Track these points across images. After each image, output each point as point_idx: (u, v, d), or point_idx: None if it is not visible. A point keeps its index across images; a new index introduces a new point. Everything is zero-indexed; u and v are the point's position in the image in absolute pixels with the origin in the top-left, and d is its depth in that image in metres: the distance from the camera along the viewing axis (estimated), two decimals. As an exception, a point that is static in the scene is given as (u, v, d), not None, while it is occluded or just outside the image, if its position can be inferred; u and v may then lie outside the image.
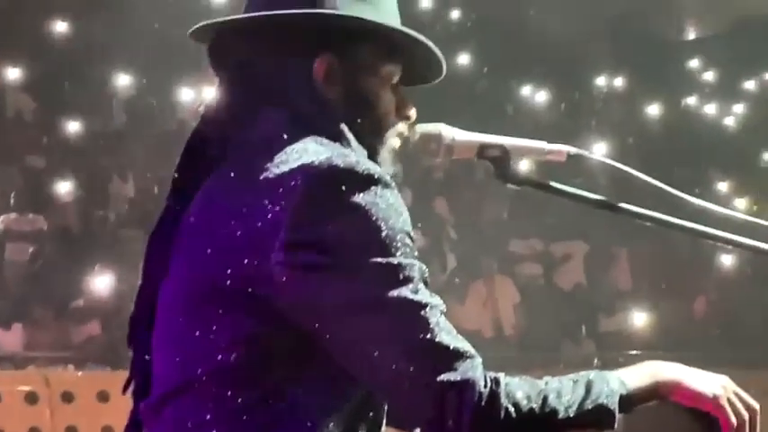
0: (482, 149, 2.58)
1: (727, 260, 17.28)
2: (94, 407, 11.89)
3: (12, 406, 11.73)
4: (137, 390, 2.47)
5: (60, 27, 18.98)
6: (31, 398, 11.84)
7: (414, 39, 2.52)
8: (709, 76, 23.08)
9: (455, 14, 22.15)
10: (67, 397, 11.97)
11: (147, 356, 2.45)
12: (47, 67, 18.03)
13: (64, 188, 15.74)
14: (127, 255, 14.28)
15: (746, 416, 2.37)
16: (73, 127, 17.10)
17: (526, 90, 20.67)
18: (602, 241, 17.20)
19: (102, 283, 14.07)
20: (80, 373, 12.93)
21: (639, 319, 15.95)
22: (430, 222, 16.09)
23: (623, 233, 17.12)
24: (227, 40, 2.55)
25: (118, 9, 18.50)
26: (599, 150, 15.65)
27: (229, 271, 2.29)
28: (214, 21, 2.56)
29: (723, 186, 17.83)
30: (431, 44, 2.53)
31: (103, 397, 11.94)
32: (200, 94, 16.70)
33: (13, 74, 17.88)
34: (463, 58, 20.12)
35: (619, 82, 22.06)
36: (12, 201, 15.23)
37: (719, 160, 19.17)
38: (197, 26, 2.57)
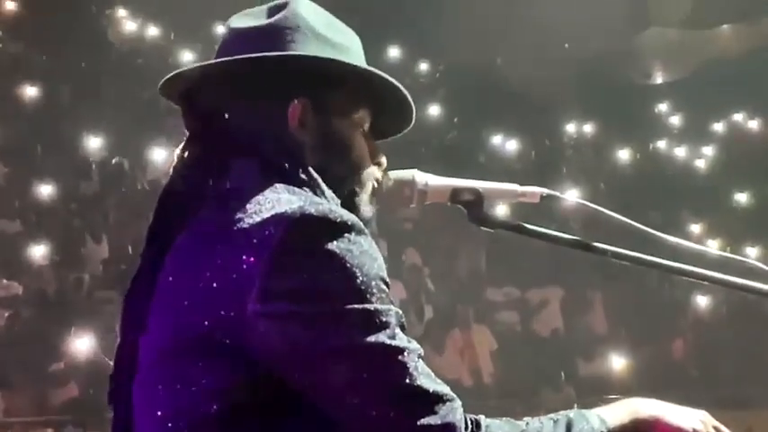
0: (455, 194, 2.58)
1: (702, 301, 17.33)
2: (74, 471, 11.83)
3: (-9, 473, 11.67)
4: (119, 446, 2.45)
5: (30, 91, 18.98)
6: (12, 463, 11.77)
7: (383, 78, 2.53)
8: (677, 119, 23.20)
9: (423, 66, 22.24)
10: (47, 461, 11.91)
11: (128, 413, 2.43)
12: (17, 131, 18.01)
13: (38, 252, 15.71)
14: (103, 316, 14.24)
15: (726, 450, 2.38)
16: (45, 190, 17.08)
17: (497, 138, 20.72)
18: (577, 286, 17.22)
19: (79, 345, 14.01)
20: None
21: (618, 362, 15.95)
22: (405, 273, 16.10)
23: (598, 277, 17.16)
24: (198, 88, 2.54)
25: (86, 72, 18.56)
26: (571, 196, 15.64)
27: (206, 323, 2.28)
28: (184, 69, 2.55)
29: (696, 228, 17.91)
30: (401, 87, 2.53)
31: (84, 460, 11.88)
32: (171, 154, 16.69)
33: (-16, 139, 17.88)
34: (433, 109, 20.20)
35: (588, 128, 22.16)
36: (-10, 266, 15.20)
37: (691, 202, 19.24)
38: (167, 77, 2.56)
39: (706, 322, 17.24)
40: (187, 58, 18.94)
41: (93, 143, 18.16)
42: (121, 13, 22.03)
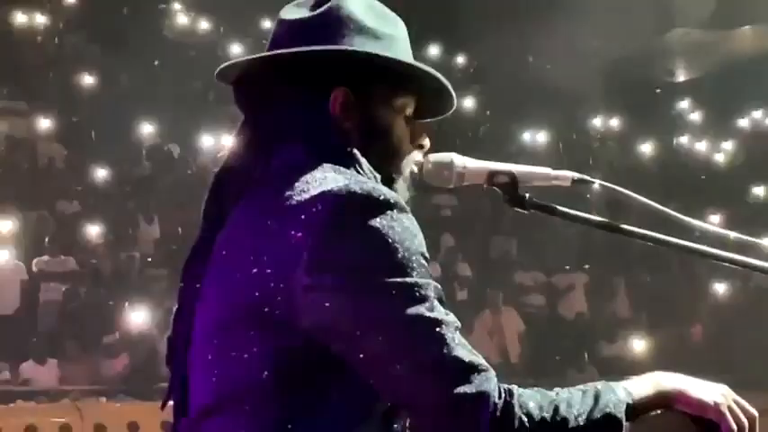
0: (491, 176, 2.57)
1: (720, 289, 17.29)
2: (126, 436, 11.90)
3: (48, 437, 11.75)
4: (176, 407, 2.46)
5: (88, 80, 19.06)
6: (66, 429, 11.84)
7: (424, 71, 2.53)
8: (698, 115, 23.12)
9: (460, 61, 22.25)
10: (100, 428, 11.98)
11: (184, 376, 2.44)
12: (76, 118, 18.10)
13: (94, 231, 15.79)
14: (154, 292, 14.32)
15: (746, 422, 2.36)
16: (101, 174, 17.16)
17: (527, 131, 20.71)
18: (601, 272, 17.21)
19: (131, 319, 14.10)
20: (113, 404, 12.94)
21: (639, 345, 15.94)
22: (441, 257, 16.10)
23: (621, 264, 17.14)
24: (250, 77, 2.55)
25: (141, 63, 18.61)
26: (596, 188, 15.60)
27: (257, 294, 2.28)
28: (238, 59, 2.57)
29: (715, 219, 17.81)
30: (440, 75, 2.54)
31: (133, 427, 11.94)
32: (218, 141, 16.75)
33: (45, 124, 17.97)
34: (468, 102, 20.19)
35: (614, 122, 22.10)
36: (46, 244, 15.26)
37: (710, 194, 19.16)
38: (223, 66, 2.57)
39: (723, 309, 17.19)
40: (236, 51, 18.99)
41: (146, 130, 18.25)
42: (176, 7, 22.08)
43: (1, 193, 15.99)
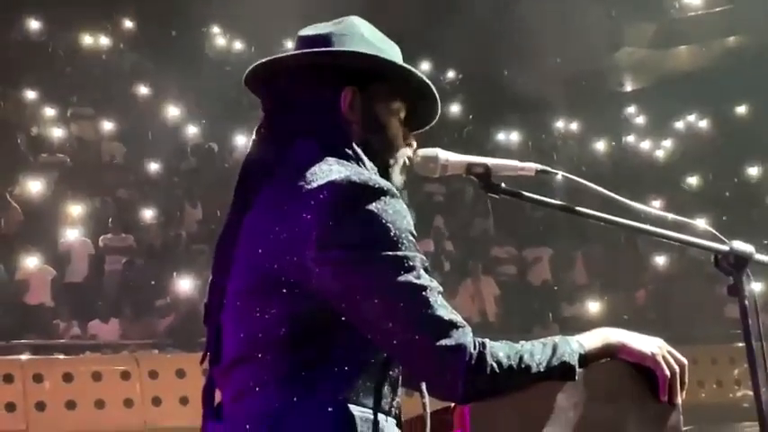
0: (469, 167, 2.55)
1: (660, 260, 17.29)
2: (174, 382, 11.92)
3: (111, 382, 11.77)
4: (211, 359, 2.45)
5: (143, 90, 19.09)
6: (125, 375, 11.86)
7: (416, 75, 2.52)
8: (642, 119, 23.14)
9: (449, 75, 22.27)
10: (153, 374, 11.99)
11: (218, 334, 2.44)
12: (133, 120, 18.12)
13: (147, 214, 15.82)
14: (197, 264, 14.33)
15: (677, 369, 2.35)
16: (154, 167, 17.18)
17: (502, 132, 20.72)
18: (562, 247, 17.20)
19: (179, 285, 14.12)
20: (164, 355, 12.97)
21: (593, 306, 15.95)
22: (430, 235, 16.10)
23: (579, 240, 17.15)
24: (271, 77, 2.52)
25: (187, 76, 18.62)
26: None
27: (276, 266, 2.28)
28: (261, 60, 2.54)
29: (656, 203, 17.82)
30: (429, 82, 2.52)
31: (181, 374, 11.95)
32: (250, 140, 16.73)
33: (108, 127, 18.00)
34: (454, 108, 20.22)
35: (573, 125, 22.10)
36: (109, 224, 15.27)
37: (653, 184, 19.17)
38: (250, 69, 2.55)
39: (663, 277, 17.20)
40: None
41: (191, 131, 18.26)
42: (215, 30, 22.09)
43: (72, 183, 16.01)
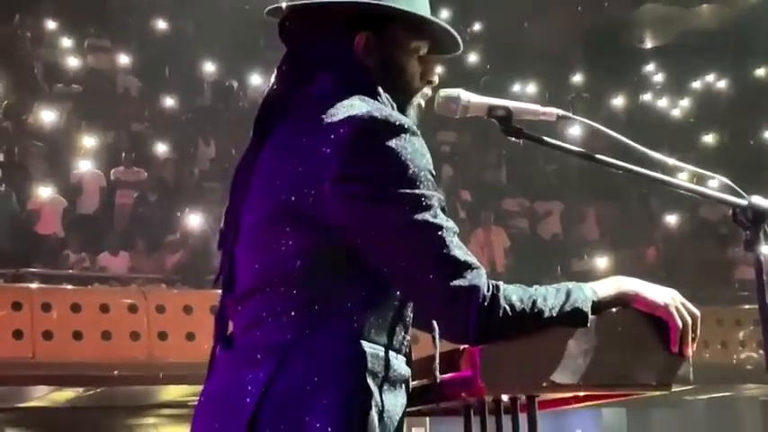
0: (491, 110, 2.53)
1: (671, 219, 17.27)
2: (181, 317, 11.97)
3: (118, 314, 11.82)
4: (224, 285, 2.46)
5: (161, 24, 19.03)
6: (133, 308, 11.91)
7: (434, 22, 2.51)
8: (661, 77, 23.01)
9: (468, 25, 22.16)
10: (160, 309, 12.04)
11: (231, 264, 2.45)
12: (150, 55, 18.07)
13: (161, 149, 15.82)
14: (208, 201, 14.35)
15: (690, 320, 2.35)
16: (168, 102, 17.16)
17: (518, 83, 20.63)
18: (574, 201, 17.18)
19: (189, 222, 14.14)
20: (172, 291, 13.02)
21: (602, 262, 15.94)
22: (442, 184, 16.08)
23: (591, 196, 17.12)
24: (294, 18, 2.52)
25: (205, 11, 18.55)
26: (574, 132, 15.56)
27: (293, 198, 2.28)
28: (281, 4, 2.54)
29: (671, 161, 17.72)
30: (449, 28, 2.52)
31: (188, 310, 12.00)
32: (267, 80, 16.70)
33: (124, 60, 17.97)
34: (473, 58, 20.13)
35: (591, 79, 21.99)
36: (123, 157, 15.27)
37: (669, 142, 19.07)
38: (271, 7, 2.55)
39: (673, 235, 17.19)
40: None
41: (207, 68, 18.21)
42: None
43: (86, 115, 16.00)
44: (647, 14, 25.17)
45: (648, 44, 25.68)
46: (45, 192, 13.94)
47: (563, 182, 17.65)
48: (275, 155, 2.38)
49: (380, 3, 2.45)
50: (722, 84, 22.63)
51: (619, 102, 21.18)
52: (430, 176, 2.28)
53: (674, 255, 16.64)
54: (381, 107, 2.33)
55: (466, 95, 2.55)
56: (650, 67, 23.59)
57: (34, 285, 12.09)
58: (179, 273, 13.59)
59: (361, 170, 2.24)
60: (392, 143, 2.25)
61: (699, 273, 15.75)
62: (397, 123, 2.28)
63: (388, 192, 2.23)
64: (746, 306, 14.13)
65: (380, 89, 2.42)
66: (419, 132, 2.32)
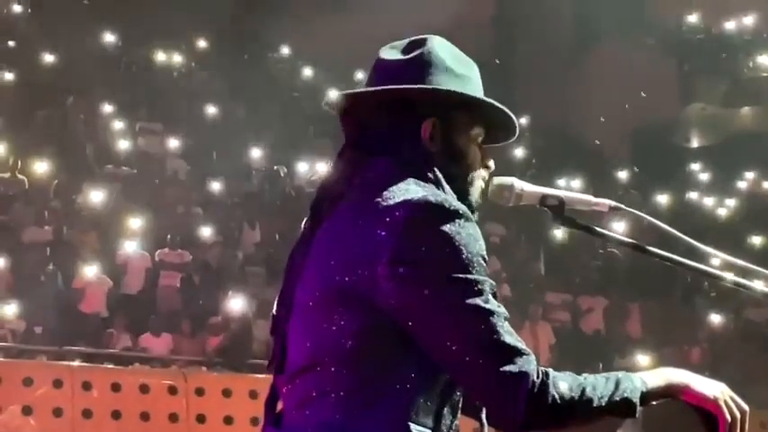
0: (543, 199, 2.56)
1: (716, 319, 17.11)
2: (220, 400, 11.88)
3: (157, 395, 11.77)
4: (276, 367, 2.47)
5: (212, 110, 19.27)
6: (172, 390, 11.86)
7: (494, 105, 2.54)
8: (706, 176, 22.97)
9: (520, 120, 22.27)
10: (200, 391, 11.97)
11: (284, 344, 2.47)
12: (199, 139, 18.28)
13: (207, 232, 15.91)
14: (252, 285, 14.39)
15: (738, 415, 2.35)
16: (215, 186, 17.31)
17: (564, 178, 20.65)
18: (618, 298, 17.06)
19: (232, 305, 14.17)
20: (212, 374, 12.99)
21: (644, 361, 15.76)
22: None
23: (635, 292, 17.00)
24: (356, 106, 2.55)
25: (255, 99, 18.79)
26: (618, 228, 15.50)
27: (347, 279, 2.30)
28: (346, 92, 2.57)
29: (716, 261, 17.63)
30: (506, 109, 2.55)
31: (227, 393, 11.93)
32: (313, 167, 16.83)
33: (174, 143, 18.20)
34: (519, 152, 20.22)
35: (637, 176, 21.98)
36: (170, 239, 15.37)
37: (714, 243, 18.91)
38: (333, 96, 2.59)
39: (718, 336, 17.00)
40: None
41: (255, 154, 18.39)
42: (285, 55, 22.29)
43: (134, 195, 16.17)
44: (695, 114, 25.25)
45: (695, 143, 25.70)
46: (90, 271, 14.05)
47: (606, 277, 17.56)
48: (331, 237, 2.40)
49: (454, 90, 2.49)
50: (766, 184, 22.55)
51: (664, 199, 21.13)
52: (483, 262, 2.31)
53: (718, 355, 16.45)
54: (437, 192, 2.36)
55: (519, 184, 2.58)
56: (696, 166, 23.57)
57: (76, 363, 12.12)
58: (220, 356, 13.59)
59: (414, 254, 2.27)
60: (446, 228, 2.28)
61: (743, 375, 15.53)
62: (452, 209, 2.31)
63: (441, 275, 2.26)
64: (790, 411, 13.91)
65: (439, 174, 2.44)
66: (473, 219, 2.34)
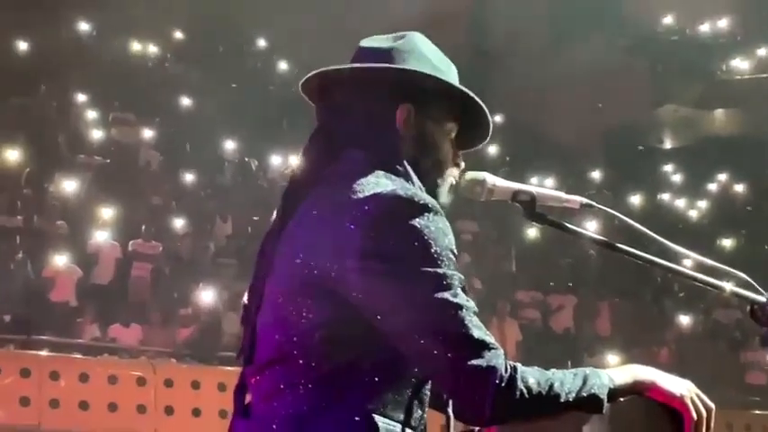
0: (515, 194, 2.55)
1: (684, 320, 17.19)
2: (189, 392, 11.88)
3: (125, 386, 11.75)
4: (245, 357, 2.46)
5: (185, 101, 19.21)
6: (141, 381, 11.84)
7: (473, 100, 2.53)
8: (678, 177, 23.08)
9: (495, 118, 22.29)
10: (169, 383, 11.96)
11: (253, 334, 2.46)
12: (173, 131, 18.22)
13: (178, 223, 15.87)
14: (223, 277, 14.35)
15: (705, 413, 2.35)
16: (188, 177, 17.26)
17: (535, 177, 20.69)
18: (589, 296, 17.11)
19: (202, 298, 14.13)
20: (181, 366, 12.96)
21: (614, 360, 15.81)
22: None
23: (605, 291, 17.05)
24: (329, 87, 2.54)
25: (230, 91, 18.74)
26: (590, 227, 15.55)
27: (316, 272, 2.29)
28: (320, 70, 2.55)
29: (687, 262, 17.71)
30: (482, 103, 2.54)
31: (196, 385, 11.92)
32: (287, 160, 16.81)
33: (148, 134, 18.13)
34: (492, 149, 20.24)
35: (609, 176, 22.04)
36: (142, 230, 15.30)
37: (684, 244, 18.99)
38: (307, 77, 2.56)
39: (686, 337, 17.09)
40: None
41: (228, 146, 18.34)
42: (260, 49, 22.23)
43: (107, 186, 16.10)
44: (668, 115, 25.36)
45: (667, 145, 25.82)
46: (61, 260, 13.98)
47: (577, 275, 17.61)
48: (301, 229, 2.39)
49: (432, 75, 2.48)
50: (740, 187, 22.68)
51: (637, 200, 21.20)
52: (452, 256, 2.30)
53: (685, 356, 16.53)
54: (407, 186, 2.35)
55: (492, 179, 2.57)
56: (668, 167, 23.67)
57: (43, 353, 12.07)
58: (189, 348, 13.55)
59: (383, 247, 2.26)
60: (415, 222, 2.27)
61: (710, 375, 15.62)
62: (421, 202, 2.30)
63: (410, 269, 2.25)
64: (757, 411, 14.02)
65: (409, 167, 2.43)
66: (443, 212, 2.33)
